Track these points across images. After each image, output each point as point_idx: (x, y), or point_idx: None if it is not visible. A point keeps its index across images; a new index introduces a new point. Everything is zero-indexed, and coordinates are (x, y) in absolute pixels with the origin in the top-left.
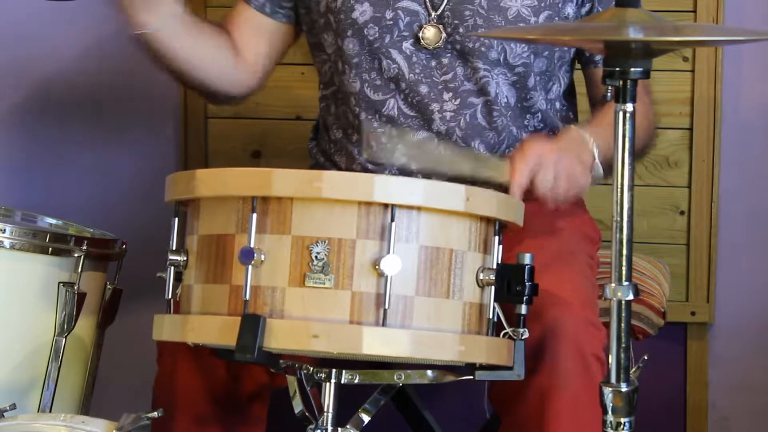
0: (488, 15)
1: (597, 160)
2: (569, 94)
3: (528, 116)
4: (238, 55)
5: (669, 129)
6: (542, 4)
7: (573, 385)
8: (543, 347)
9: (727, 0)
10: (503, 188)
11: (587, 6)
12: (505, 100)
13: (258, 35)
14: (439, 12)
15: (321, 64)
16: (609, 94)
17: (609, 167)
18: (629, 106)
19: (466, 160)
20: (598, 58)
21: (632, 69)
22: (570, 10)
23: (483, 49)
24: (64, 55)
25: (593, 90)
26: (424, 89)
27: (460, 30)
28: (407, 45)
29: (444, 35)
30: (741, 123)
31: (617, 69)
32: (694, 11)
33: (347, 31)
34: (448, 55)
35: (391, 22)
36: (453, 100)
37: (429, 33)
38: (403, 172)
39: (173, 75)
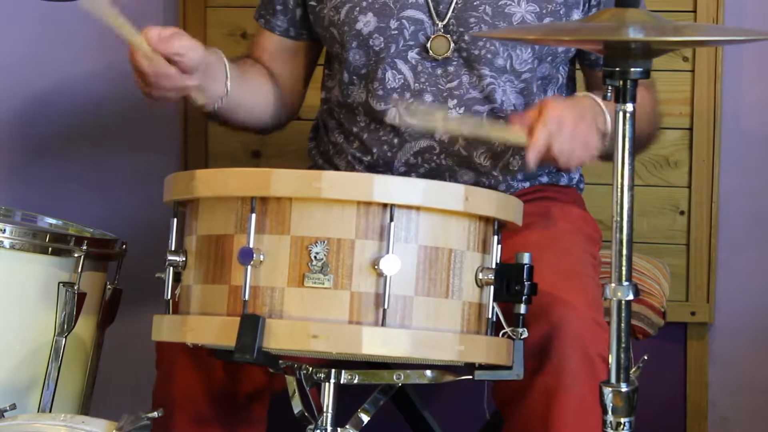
0: (493, 22)
1: (609, 127)
2: (567, 93)
3: None
4: (279, 85)
5: (669, 129)
6: (545, 11)
7: (578, 385)
8: (548, 347)
9: (727, 0)
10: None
11: (594, 11)
12: (512, 107)
13: (290, 59)
14: (444, 21)
15: (329, 72)
16: (609, 94)
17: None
18: (629, 106)
19: (478, 125)
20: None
21: (632, 69)
22: (576, 16)
23: (489, 56)
24: (65, 55)
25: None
26: (428, 98)
27: (466, 37)
28: (413, 54)
29: (452, 44)
30: (741, 123)
31: (617, 69)
32: (694, 11)
33: (352, 43)
34: (454, 63)
35: (396, 32)
36: (457, 108)
37: (437, 43)
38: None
39: (238, 127)
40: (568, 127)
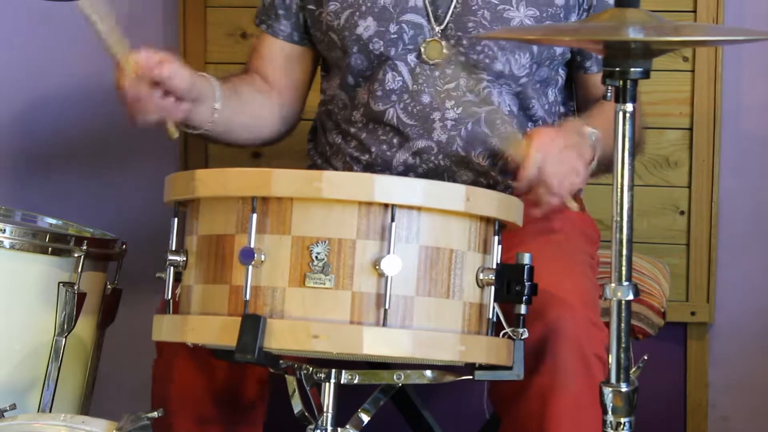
0: (491, 26)
1: (595, 156)
2: (566, 94)
3: (530, 124)
4: (281, 95)
5: (669, 129)
6: (544, 15)
7: (574, 385)
8: (544, 347)
9: (727, 0)
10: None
11: (584, 16)
12: (508, 109)
13: (293, 65)
14: (443, 26)
15: (326, 74)
16: (609, 94)
17: (608, 161)
18: (629, 106)
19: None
20: (588, 63)
21: (632, 69)
22: (574, 19)
23: (487, 60)
24: (65, 56)
25: (583, 93)
26: (426, 99)
27: (464, 42)
28: (411, 58)
29: (446, 51)
30: (741, 123)
31: (617, 69)
32: (694, 11)
33: (353, 47)
34: (452, 66)
35: (396, 36)
36: (455, 109)
37: (431, 48)
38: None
39: (231, 145)
40: (556, 153)
